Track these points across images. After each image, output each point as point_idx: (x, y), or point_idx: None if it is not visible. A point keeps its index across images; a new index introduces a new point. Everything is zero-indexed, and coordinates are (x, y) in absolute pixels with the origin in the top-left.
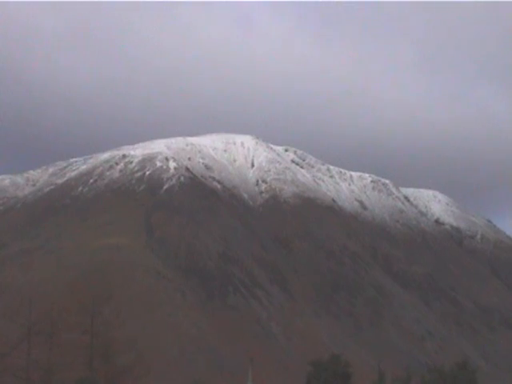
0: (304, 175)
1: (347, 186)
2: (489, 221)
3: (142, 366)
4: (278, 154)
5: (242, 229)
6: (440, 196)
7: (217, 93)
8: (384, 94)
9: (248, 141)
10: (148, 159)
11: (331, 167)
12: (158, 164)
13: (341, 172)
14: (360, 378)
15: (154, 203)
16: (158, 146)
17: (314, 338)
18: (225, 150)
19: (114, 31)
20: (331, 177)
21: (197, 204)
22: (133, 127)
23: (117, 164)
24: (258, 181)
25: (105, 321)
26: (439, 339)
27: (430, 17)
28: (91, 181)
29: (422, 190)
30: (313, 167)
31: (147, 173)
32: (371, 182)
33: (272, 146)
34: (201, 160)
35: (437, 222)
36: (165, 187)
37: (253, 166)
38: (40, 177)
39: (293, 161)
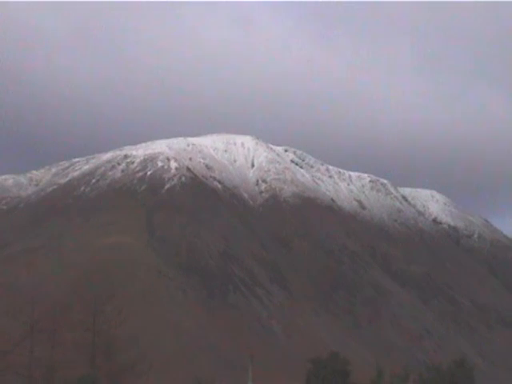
0: (303, 175)
1: (346, 186)
2: (486, 220)
3: (143, 364)
4: (278, 155)
5: (242, 228)
6: (438, 196)
7: (217, 94)
8: (382, 94)
9: (248, 141)
10: (149, 159)
11: (330, 167)
12: (160, 164)
13: (340, 172)
14: (359, 375)
15: (156, 203)
16: (160, 147)
17: (314, 335)
18: (225, 151)
19: (115, 32)
20: (330, 177)
21: (198, 203)
22: (134, 128)
23: (119, 164)
24: (258, 181)
25: (107, 319)
26: (437, 337)
27: (429, 18)
28: (93, 181)
29: (419, 190)
30: (312, 167)
31: (149, 173)
32: (370, 181)
33: (272, 146)
34: (202, 160)
35: (434, 221)
36: (166, 187)
37: (253, 166)
38: (43, 177)
39: (292, 161)
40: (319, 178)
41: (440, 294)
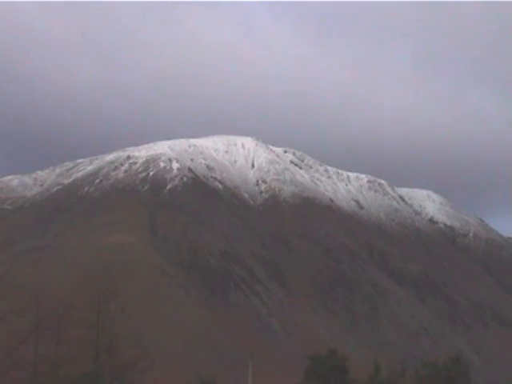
0: (302, 176)
1: (344, 186)
2: (481, 220)
3: (146, 360)
4: (278, 155)
5: (242, 227)
6: (434, 196)
7: (218, 96)
8: (380, 97)
9: (248, 142)
10: (152, 160)
11: (329, 168)
12: (162, 165)
13: (338, 172)
14: (357, 371)
15: (158, 203)
16: (162, 148)
17: (313, 333)
18: (226, 152)
19: (118, 35)
20: (329, 177)
21: (199, 203)
22: (137, 129)
23: (122, 165)
24: (258, 181)
25: (110, 317)
26: (433, 334)
27: (428, 21)
28: (97, 181)
29: (416, 190)
30: (311, 168)
31: (151, 173)
32: (367, 182)
33: (271, 147)
34: (203, 161)
35: (431, 220)
36: (168, 187)
37: (253, 166)
38: (48, 177)
39: (292, 162)
40: (318, 179)
41: (436, 292)
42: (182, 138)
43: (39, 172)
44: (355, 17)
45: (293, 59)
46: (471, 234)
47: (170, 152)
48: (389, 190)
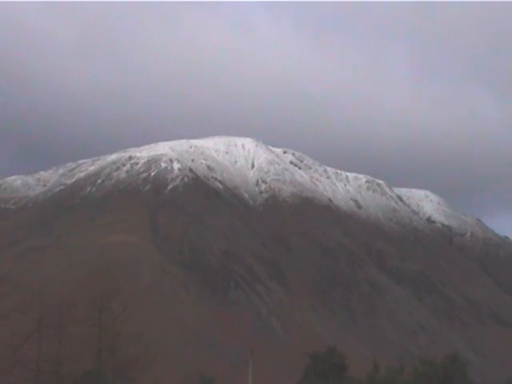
0: (302, 176)
1: (343, 186)
2: (478, 219)
3: (147, 358)
4: (277, 156)
5: (242, 227)
6: (432, 196)
7: (218, 97)
8: (379, 98)
9: (248, 143)
10: (153, 161)
11: (328, 168)
12: (163, 165)
13: (337, 173)
14: (355, 369)
15: (159, 203)
16: (163, 148)
17: (312, 331)
18: (226, 152)
19: (120, 37)
20: (328, 177)
21: (200, 203)
22: (139, 130)
23: (123, 165)
24: (258, 181)
25: (112, 315)
26: (431, 332)
27: (424, 20)
28: (99, 181)
29: (414, 190)
30: (310, 168)
31: (152, 174)
32: (366, 182)
33: (271, 147)
34: (203, 161)
35: (428, 220)
36: (169, 187)
37: (253, 167)
38: (50, 177)
39: (291, 162)
40: (317, 179)
41: (434, 291)
42: (183, 138)
43: (42, 172)
44: (354, 17)
45: (292, 59)
46: (468, 234)
47: (171, 153)
48: (387, 190)
